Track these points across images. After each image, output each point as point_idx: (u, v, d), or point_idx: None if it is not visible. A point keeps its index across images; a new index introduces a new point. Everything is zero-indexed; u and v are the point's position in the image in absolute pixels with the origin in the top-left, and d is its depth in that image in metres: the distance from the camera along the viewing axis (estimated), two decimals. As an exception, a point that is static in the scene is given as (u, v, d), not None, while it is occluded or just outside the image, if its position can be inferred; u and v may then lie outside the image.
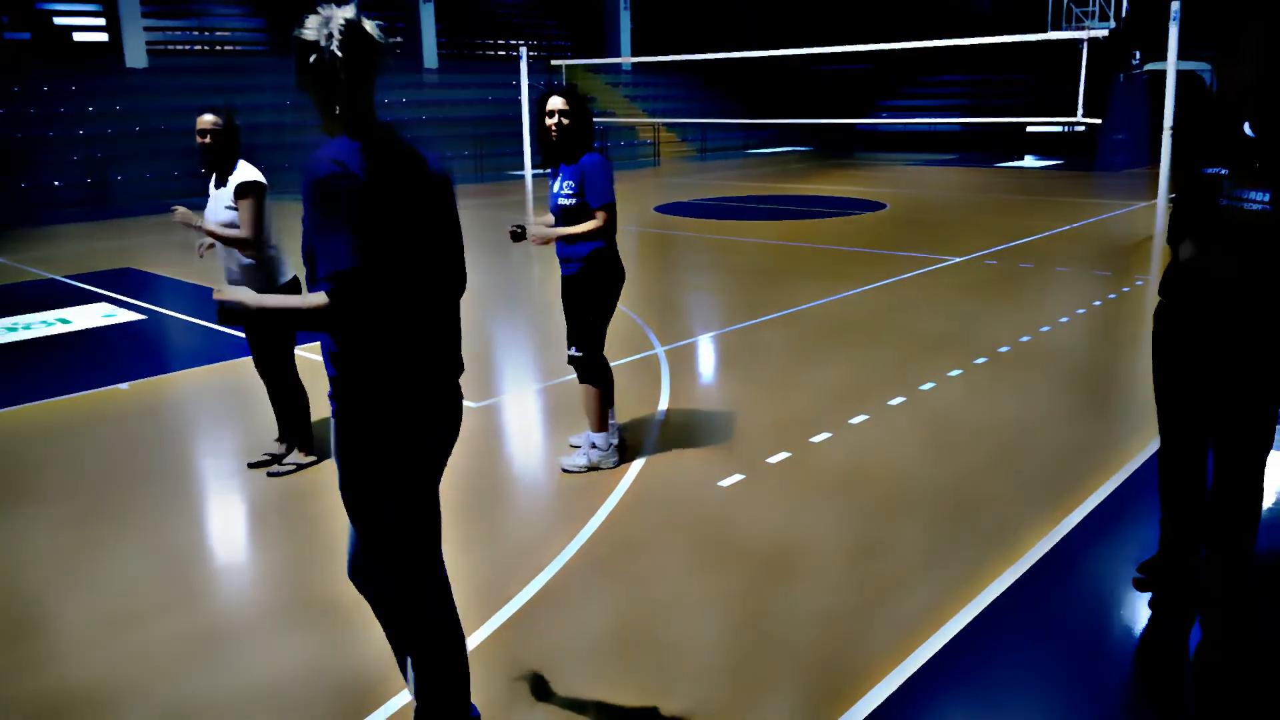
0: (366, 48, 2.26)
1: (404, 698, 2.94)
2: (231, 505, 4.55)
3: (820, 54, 19.22)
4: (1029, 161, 25.32)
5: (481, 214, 15.87)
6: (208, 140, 4.46)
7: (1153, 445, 4.34)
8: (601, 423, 4.71)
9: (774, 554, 3.86)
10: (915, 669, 3.05)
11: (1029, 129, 27.36)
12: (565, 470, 4.71)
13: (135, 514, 4.38)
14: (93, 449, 5.26)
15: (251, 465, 4.86)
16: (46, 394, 6.19)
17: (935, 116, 29.70)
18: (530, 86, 22.19)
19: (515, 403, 6.04)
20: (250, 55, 26.83)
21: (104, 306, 8.79)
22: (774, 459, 4.83)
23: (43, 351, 7.35)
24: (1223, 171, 2.89)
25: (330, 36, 2.23)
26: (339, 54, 2.23)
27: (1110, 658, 3.17)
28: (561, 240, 4.51)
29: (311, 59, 2.25)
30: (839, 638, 3.26)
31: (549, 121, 4.44)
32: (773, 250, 11.64)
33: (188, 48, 26.27)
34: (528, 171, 21.68)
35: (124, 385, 6.39)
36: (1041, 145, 27.57)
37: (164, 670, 3.16)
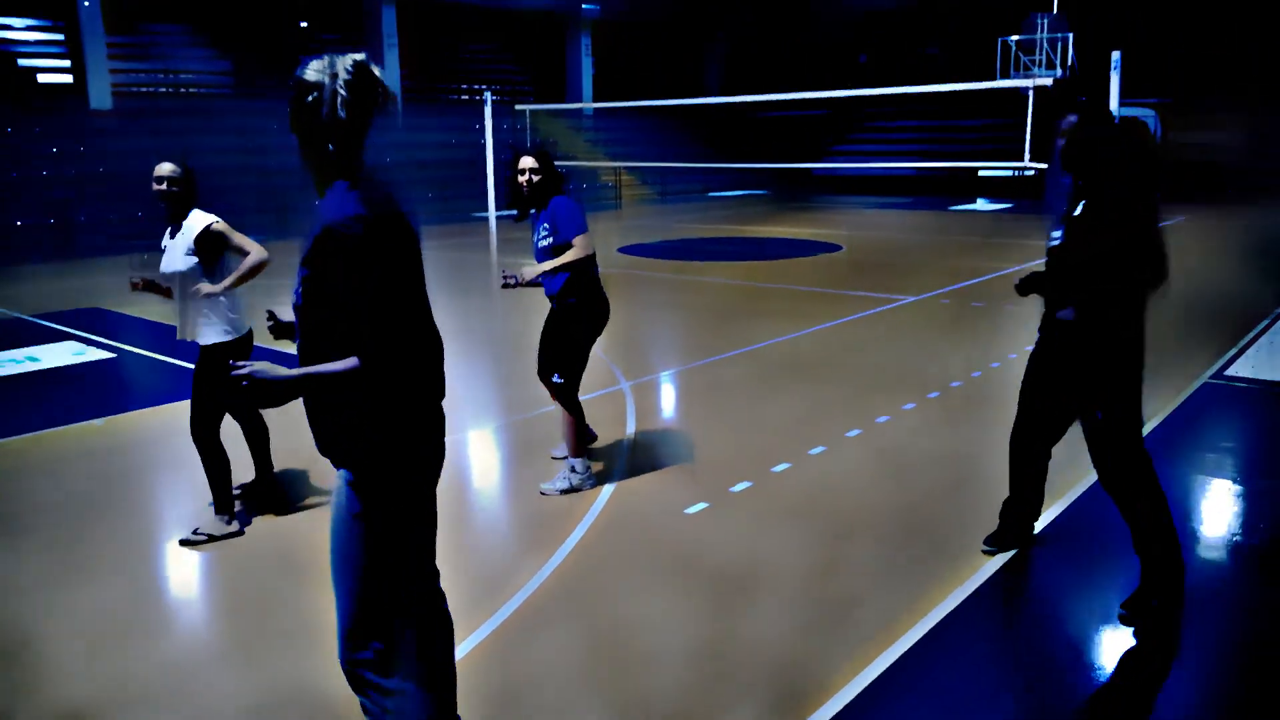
0: (371, 91, 2.27)
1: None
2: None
3: (776, 100, 19.79)
4: (981, 204, 26.06)
5: (446, 255, 16.06)
6: (164, 188, 4.45)
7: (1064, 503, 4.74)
8: (579, 448, 4.93)
9: (740, 575, 4.06)
10: (873, 678, 3.26)
11: (981, 173, 28.19)
12: (543, 493, 4.91)
13: (113, 543, 4.48)
14: (69, 483, 5.34)
15: (184, 542, 4.47)
16: (20, 429, 6.25)
17: (889, 161, 30.50)
18: (495, 130, 22.51)
19: (490, 435, 6.20)
20: (215, 98, 26.95)
21: (73, 345, 8.84)
22: (737, 488, 5.05)
23: (15, 388, 7.39)
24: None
25: (335, 77, 2.24)
26: (344, 94, 2.23)
27: (1056, 665, 3.40)
28: (546, 274, 4.75)
29: (310, 98, 2.25)
30: (802, 650, 3.46)
31: (521, 179, 4.78)
32: (733, 290, 11.95)
33: (153, 89, 26.32)
34: (491, 214, 21.95)
35: (98, 421, 6.47)
36: (993, 188, 28.40)
37: (141, 694, 3.28)
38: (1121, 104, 13.84)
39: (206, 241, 4.46)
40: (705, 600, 3.86)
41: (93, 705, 3.22)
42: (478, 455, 5.88)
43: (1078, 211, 3.40)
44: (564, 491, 4.90)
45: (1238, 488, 5.09)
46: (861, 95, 20.88)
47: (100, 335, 9.31)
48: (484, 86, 27.53)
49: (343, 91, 2.24)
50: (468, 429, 6.26)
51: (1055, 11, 21.10)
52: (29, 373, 7.88)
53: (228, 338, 4.53)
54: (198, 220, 4.49)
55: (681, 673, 3.35)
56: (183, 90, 27.42)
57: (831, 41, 35.27)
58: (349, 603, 2.40)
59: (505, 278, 4.88)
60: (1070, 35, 20.97)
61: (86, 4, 22.40)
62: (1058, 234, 3.53)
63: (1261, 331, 8.79)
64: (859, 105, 33.14)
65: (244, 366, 2.20)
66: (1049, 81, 14.63)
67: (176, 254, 4.48)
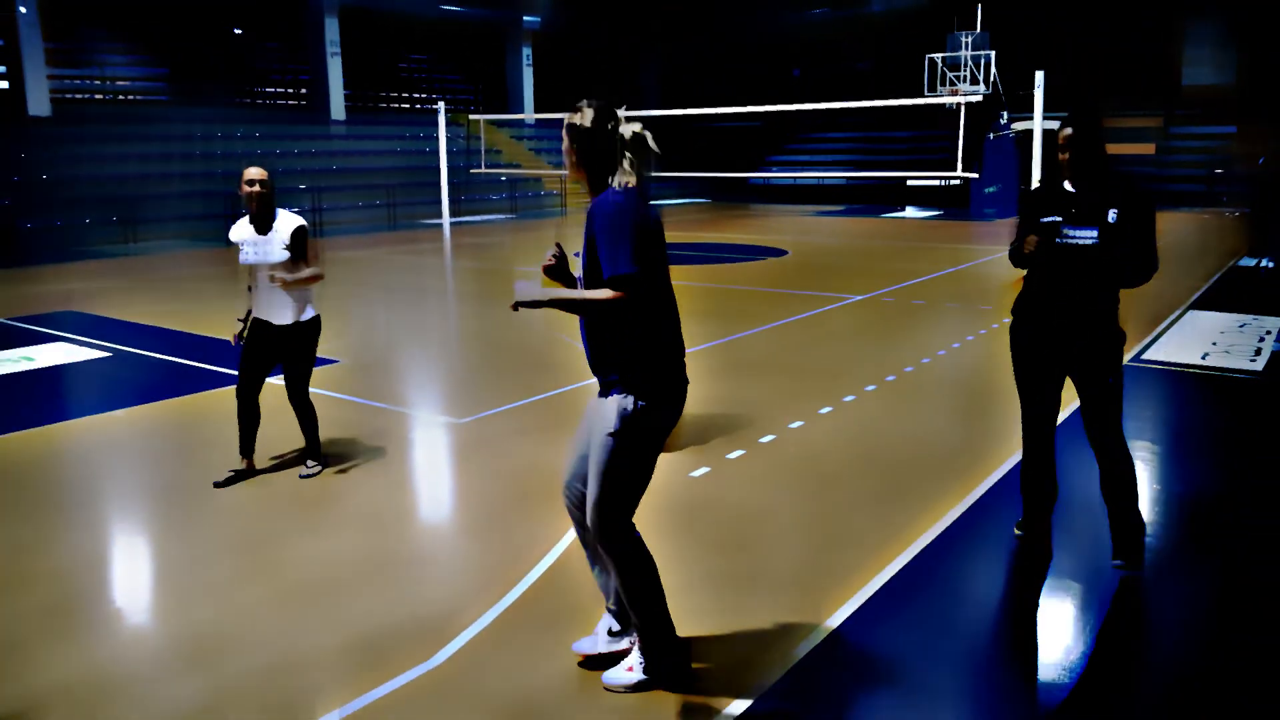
0: (639, 143, 3.22)
1: (391, 685, 3.66)
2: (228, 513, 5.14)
3: (714, 113, 20.60)
4: (910, 212, 27.29)
5: (399, 260, 16.45)
6: (256, 189, 5.10)
7: (1015, 456, 5.43)
8: None
9: (748, 519, 4.70)
10: (876, 587, 3.93)
11: (909, 182, 29.49)
12: None
13: (150, 522, 4.95)
14: (110, 466, 5.75)
15: (218, 484, 5.27)
16: (44, 420, 6.60)
17: (822, 171, 31.64)
18: (447, 139, 22.90)
19: (501, 418, 6.73)
20: (153, 105, 26.80)
21: (64, 345, 9.10)
22: (732, 454, 5.70)
23: (24, 385, 7.69)
24: (1058, 219, 4.07)
25: (618, 124, 3.21)
26: (625, 137, 3.18)
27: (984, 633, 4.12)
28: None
29: (603, 136, 3.18)
30: (807, 571, 4.12)
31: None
32: (683, 292, 12.65)
33: (90, 96, 26.08)
34: (445, 220, 22.33)
35: (119, 412, 6.85)
36: (921, 197, 29.71)
37: (165, 667, 3.79)
38: (1045, 118, 14.92)
39: (300, 238, 5.19)
40: (719, 540, 4.49)
41: (120, 672, 3.72)
42: (476, 441, 6.41)
43: (1112, 218, 3.94)
44: None
45: (1162, 463, 5.92)
46: (796, 110, 21.77)
47: (85, 336, 9.57)
48: (430, 96, 27.88)
49: (625, 135, 3.22)
50: (489, 409, 6.79)
51: (979, 30, 22.34)
52: (29, 371, 8.16)
53: (314, 313, 5.36)
54: (289, 219, 5.20)
55: (703, 597, 3.97)
56: (121, 97, 27.20)
57: (766, 56, 36.39)
58: (604, 498, 3.15)
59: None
60: (993, 53, 22.22)
61: (24, 11, 22.20)
62: (1087, 233, 3.96)
63: (1172, 322, 9.79)
64: (793, 118, 34.29)
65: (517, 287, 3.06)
66: (979, 97, 15.68)
67: (273, 248, 5.16)
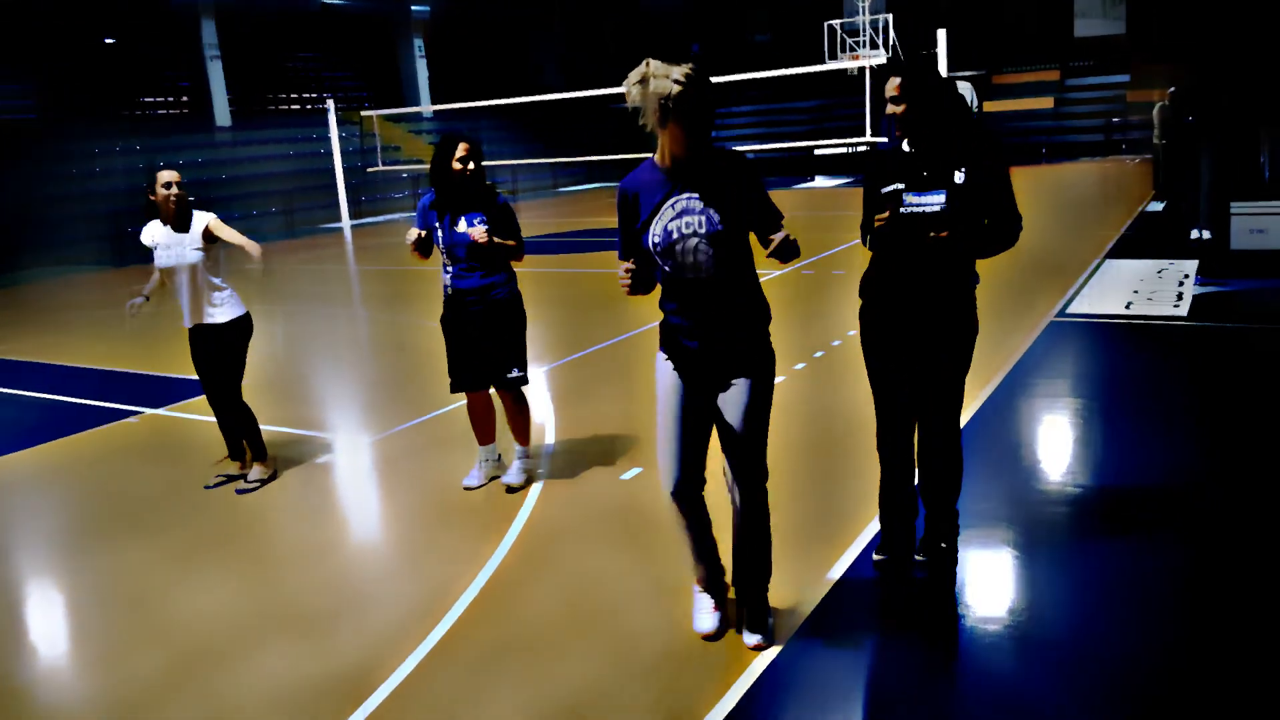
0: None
1: (389, 687, 3.22)
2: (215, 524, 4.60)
3: (616, 94, 20.14)
4: (820, 182, 27.31)
5: (300, 268, 15.71)
6: (175, 192, 4.97)
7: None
8: (529, 436, 5.10)
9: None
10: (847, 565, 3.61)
11: (817, 152, 29.50)
12: (512, 488, 4.97)
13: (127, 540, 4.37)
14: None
15: (210, 487, 5.36)
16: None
17: (729, 145, 31.44)
18: (341, 138, 22.01)
19: (416, 432, 6.25)
20: (22, 126, 25.19)
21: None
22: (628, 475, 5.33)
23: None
24: (899, 186, 3.49)
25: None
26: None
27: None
28: (497, 253, 4.73)
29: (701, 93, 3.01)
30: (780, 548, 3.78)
31: (460, 166, 4.62)
32: (604, 278, 12.24)
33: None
34: (345, 222, 21.50)
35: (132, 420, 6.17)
36: (828, 166, 29.76)
37: (163, 689, 3.29)
38: (951, 78, 14.84)
39: (210, 235, 5.07)
40: (665, 548, 4.12)
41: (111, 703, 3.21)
42: (403, 454, 5.94)
43: (959, 179, 3.39)
44: (526, 484, 5.01)
45: (1088, 415, 5.75)
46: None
47: (-46, 377, 8.75)
48: (320, 95, 26.86)
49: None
50: (402, 423, 6.30)
51: (874, -6, 22.33)
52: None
53: (242, 311, 5.22)
54: (201, 217, 5.07)
55: (654, 608, 3.61)
56: (-10, 119, 25.51)
57: (665, 33, 36.05)
58: (759, 451, 3.27)
59: (442, 245, 4.73)
60: (890, 16, 22.23)
61: None
62: (933, 199, 3.41)
63: (1091, 274, 9.75)
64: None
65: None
66: (881, 61, 15.56)
67: (185, 249, 5.03)
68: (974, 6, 29.26)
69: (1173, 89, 11.66)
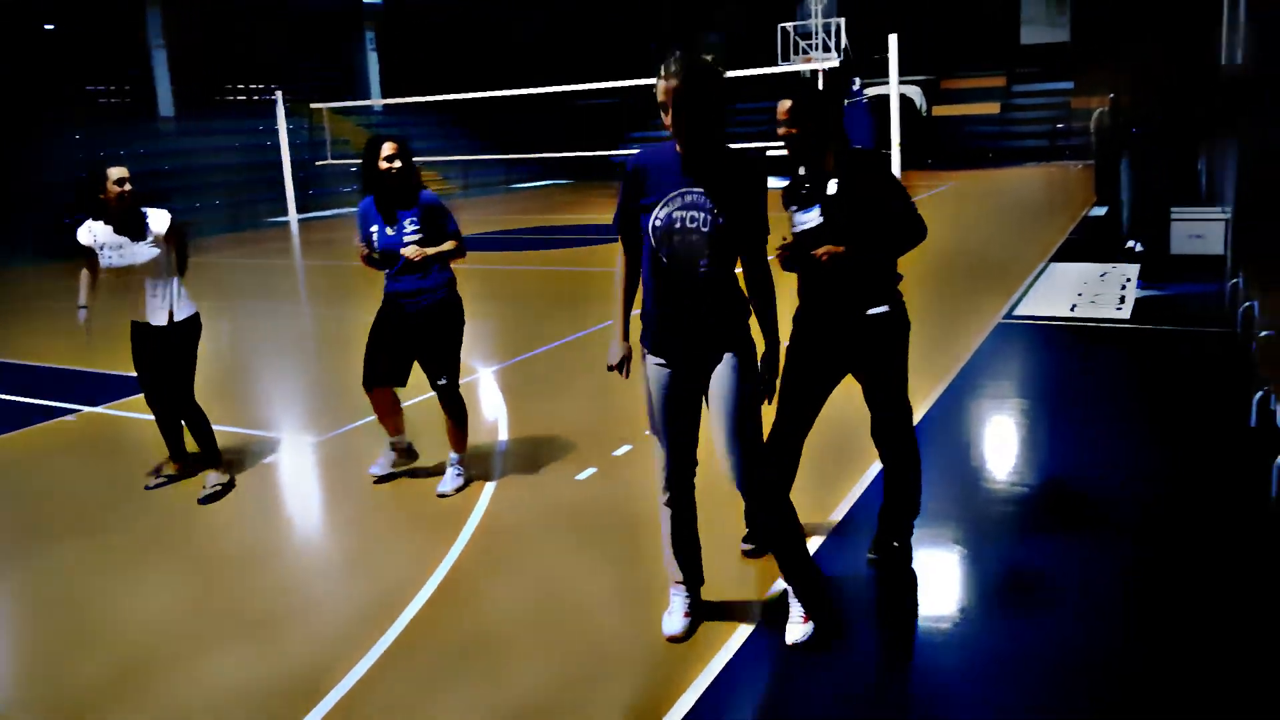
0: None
1: (342, 690, 3.17)
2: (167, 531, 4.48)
3: (570, 91, 20.12)
4: (772, 182, 27.42)
5: (245, 263, 15.42)
6: (127, 189, 4.75)
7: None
8: (465, 444, 5.00)
9: (649, 520, 4.34)
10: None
11: (769, 153, 29.66)
12: (443, 495, 4.86)
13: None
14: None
15: (150, 488, 5.16)
16: None
17: (684, 145, 31.46)
18: (290, 130, 21.63)
19: (363, 432, 6.15)
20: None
21: None
22: (619, 451, 5.32)
23: None
24: (793, 208, 3.58)
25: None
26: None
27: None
28: (433, 262, 4.67)
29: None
30: (733, 561, 3.79)
31: (386, 165, 4.57)
32: (561, 277, 12.20)
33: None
34: (292, 217, 21.15)
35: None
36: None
37: (105, 696, 3.20)
38: (900, 82, 15.05)
39: (180, 232, 4.97)
40: (622, 548, 4.11)
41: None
42: (347, 458, 5.84)
43: (832, 189, 3.39)
44: (460, 489, 4.91)
45: (1034, 415, 5.86)
46: (649, 84, 21.40)
47: (-118, 373, 8.43)
48: (269, 87, 26.36)
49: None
50: (342, 427, 6.20)
51: (827, -2, 22.53)
52: None
53: (193, 310, 5.07)
54: (159, 215, 4.90)
55: (614, 609, 3.59)
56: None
57: (621, 31, 36.01)
58: (754, 439, 3.20)
59: (377, 250, 4.65)
60: (843, 20, 22.44)
61: None
62: (812, 216, 3.46)
63: (1036, 277, 9.94)
64: (653, 93, 34.03)
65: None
66: (836, 63, 15.71)
67: (141, 248, 4.83)
68: (924, 11, 29.66)
69: (1112, 95, 11.92)
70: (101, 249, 4.85)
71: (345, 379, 7.70)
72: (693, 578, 3.51)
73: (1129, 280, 9.40)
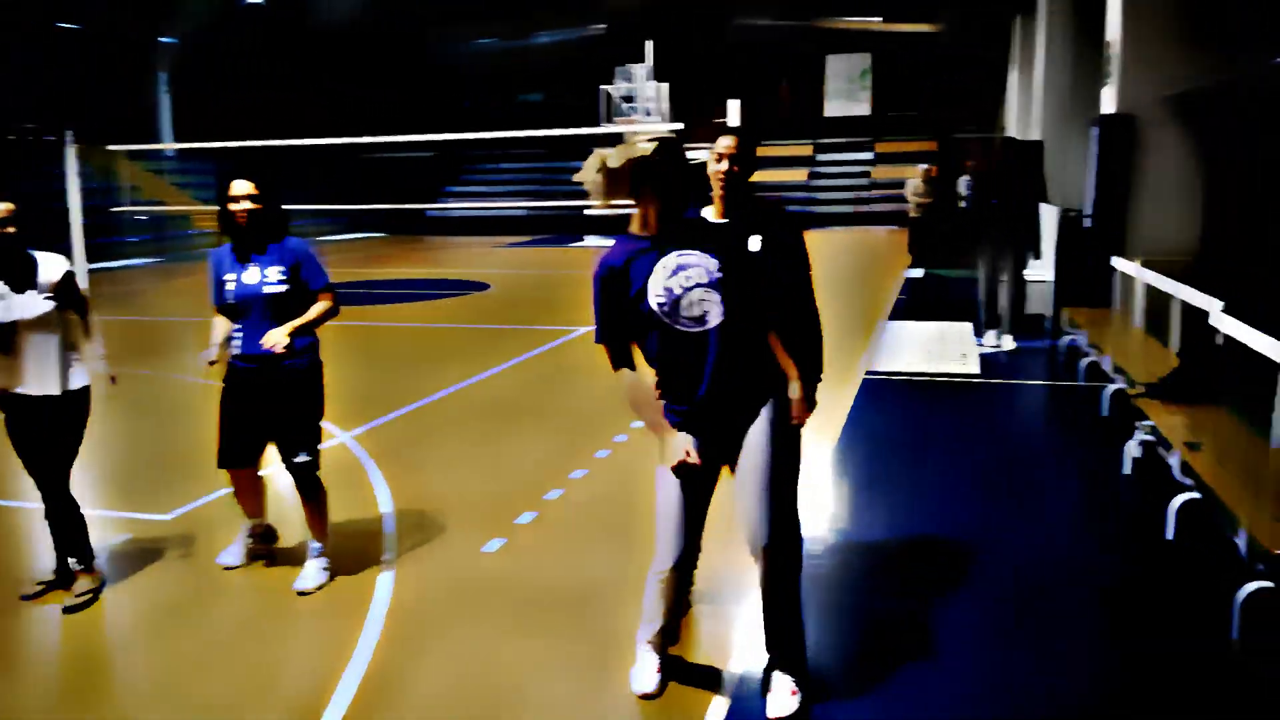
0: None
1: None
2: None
3: (385, 142, 19.47)
4: (591, 241, 27.60)
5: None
6: (10, 229, 3.93)
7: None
8: (326, 529, 4.37)
9: (571, 589, 3.98)
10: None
11: (586, 212, 29.88)
12: (304, 593, 4.18)
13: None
14: None
15: (26, 597, 4.23)
16: None
17: (502, 202, 31.34)
18: (81, 175, 19.74)
19: (217, 506, 5.41)
20: None
21: None
22: (522, 519, 4.93)
23: None
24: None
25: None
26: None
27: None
28: (299, 331, 4.09)
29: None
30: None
31: (237, 207, 4.06)
32: (396, 334, 11.60)
33: None
34: (80, 266, 19.22)
35: None
36: (601, 226, 30.21)
37: None
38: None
39: (70, 283, 4.09)
40: (553, 620, 3.74)
41: None
42: (208, 532, 5.11)
43: (755, 245, 3.13)
44: (322, 586, 4.23)
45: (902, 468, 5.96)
46: (472, 139, 21.20)
47: None
48: (54, 128, 24.10)
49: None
50: (187, 504, 5.44)
51: (648, 64, 23.08)
52: None
53: (87, 380, 4.20)
54: (54, 263, 4.07)
55: (556, 681, 3.22)
56: None
57: (436, 86, 35.60)
58: (788, 498, 3.15)
59: (212, 360, 4.08)
60: (666, 85, 23.06)
61: None
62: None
63: (880, 335, 10.31)
64: (468, 148, 33.80)
65: None
66: (654, 128, 15.99)
67: (29, 299, 3.97)
68: (737, 80, 31.06)
69: (971, 163, 12.60)
70: None
71: (176, 446, 6.85)
72: (668, 641, 3.38)
73: (968, 337, 9.87)
